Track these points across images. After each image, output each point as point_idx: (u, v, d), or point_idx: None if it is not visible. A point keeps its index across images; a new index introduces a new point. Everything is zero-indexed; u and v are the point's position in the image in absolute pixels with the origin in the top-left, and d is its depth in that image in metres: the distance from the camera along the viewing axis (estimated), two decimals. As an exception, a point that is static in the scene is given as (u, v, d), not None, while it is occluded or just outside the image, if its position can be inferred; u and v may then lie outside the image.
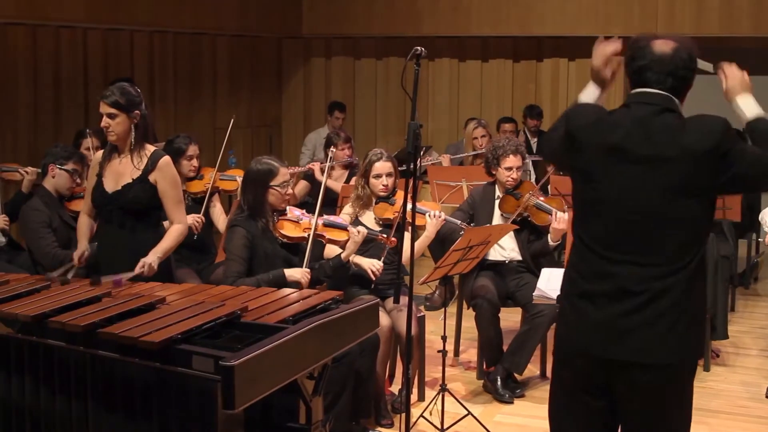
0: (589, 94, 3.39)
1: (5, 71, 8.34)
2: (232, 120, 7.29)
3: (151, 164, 4.83)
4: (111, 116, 4.79)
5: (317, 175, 7.73)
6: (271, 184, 5.11)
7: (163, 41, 10.30)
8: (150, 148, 4.90)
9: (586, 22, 10.67)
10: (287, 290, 4.21)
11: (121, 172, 4.86)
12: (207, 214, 6.37)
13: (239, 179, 6.28)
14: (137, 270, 4.60)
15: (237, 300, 3.94)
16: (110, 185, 4.87)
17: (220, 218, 6.46)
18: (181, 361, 3.28)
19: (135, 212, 4.85)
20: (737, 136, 3.08)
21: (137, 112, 4.81)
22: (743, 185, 3.22)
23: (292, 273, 5.05)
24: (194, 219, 6.18)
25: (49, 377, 3.74)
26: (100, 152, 5.01)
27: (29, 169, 6.45)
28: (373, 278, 5.42)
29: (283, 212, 5.22)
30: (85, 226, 5.06)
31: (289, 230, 5.16)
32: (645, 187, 3.05)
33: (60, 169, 6.02)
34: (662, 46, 3.12)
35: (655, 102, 3.10)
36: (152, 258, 4.70)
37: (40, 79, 8.72)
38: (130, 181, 4.82)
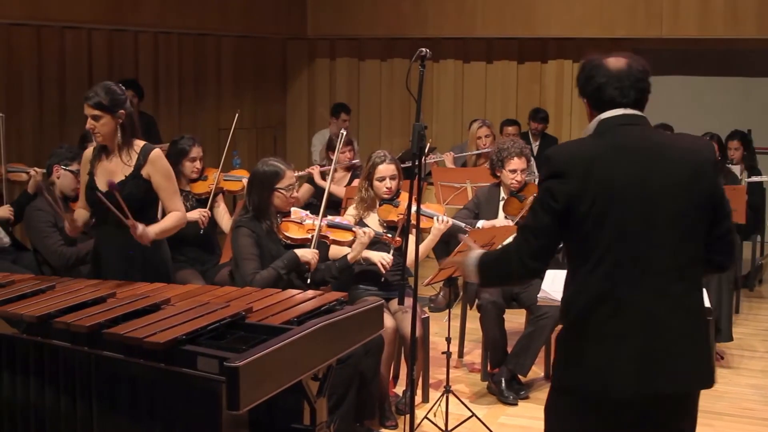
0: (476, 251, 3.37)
1: (10, 72, 8.35)
2: (237, 115, 7.28)
3: (143, 159, 4.76)
4: (95, 118, 4.71)
5: (317, 179, 7.72)
6: (277, 186, 5.11)
7: (168, 42, 10.31)
8: (139, 143, 4.82)
9: (591, 24, 10.67)
10: (292, 291, 4.22)
11: (113, 170, 4.78)
12: (211, 215, 6.37)
13: (244, 180, 6.27)
14: (132, 223, 4.55)
15: (242, 301, 3.95)
16: (103, 184, 4.77)
17: (224, 218, 6.46)
18: (185, 362, 3.29)
19: (131, 209, 4.74)
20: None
21: (122, 111, 4.73)
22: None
23: (303, 253, 5.07)
24: (200, 213, 6.20)
25: (54, 377, 3.75)
26: (90, 149, 4.95)
27: (38, 169, 6.45)
28: (384, 271, 5.41)
29: (287, 214, 5.22)
30: (81, 216, 5.02)
31: (293, 231, 5.16)
32: (652, 210, 2.96)
33: (65, 169, 6.03)
34: (616, 63, 3.07)
35: (639, 123, 3.06)
36: (151, 229, 4.64)
37: (44, 80, 8.73)
38: (123, 178, 4.75)
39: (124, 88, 4.89)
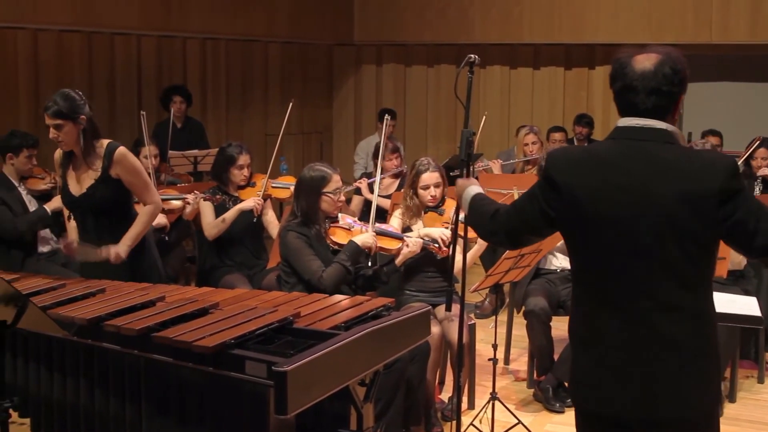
0: (475, 187, 3.43)
1: (61, 77, 8.44)
2: (291, 104, 7.30)
3: (107, 161, 4.81)
4: (57, 127, 4.74)
5: (364, 192, 7.73)
6: (324, 190, 5.12)
7: (216, 48, 10.39)
8: (102, 144, 4.85)
9: (639, 30, 10.59)
10: (339, 297, 4.22)
11: (82, 175, 4.86)
12: (259, 221, 6.41)
13: (291, 187, 6.30)
14: (104, 254, 4.68)
15: (289, 306, 3.96)
16: (75, 188, 4.88)
17: (272, 224, 6.49)
18: (234, 366, 3.29)
19: (106, 211, 4.87)
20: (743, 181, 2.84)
21: (82, 116, 4.76)
22: (739, 236, 2.82)
23: (364, 239, 5.12)
24: (255, 201, 6.30)
25: (103, 380, 3.77)
26: (59, 153, 4.98)
27: None
28: (444, 246, 5.37)
29: (334, 219, 5.23)
30: (73, 228, 5.10)
31: (340, 237, 5.17)
32: (640, 230, 2.79)
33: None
34: (644, 62, 2.88)
35: (649, 138, 2.85)
36: (121, 247, 4.75)
37: (95, 85, 8.83)
38: (92, 182, 4.82)
39: (81, 93, 4.89)
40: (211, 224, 6.27)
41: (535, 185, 3.05)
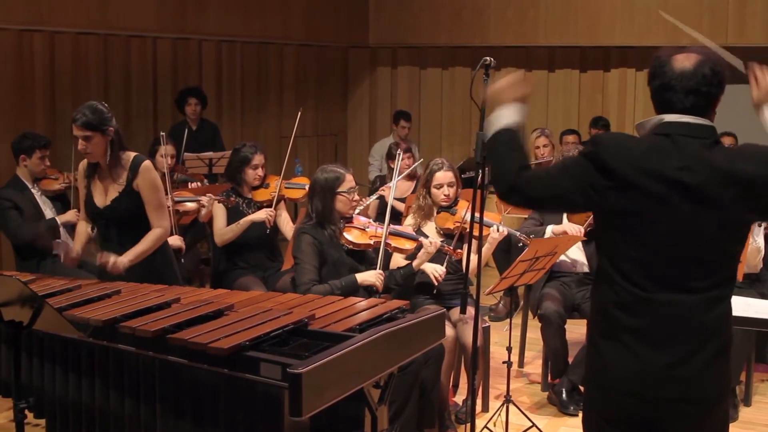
0: (511, 113, 3.15)
1: (77, 79, 8.48)
2: (299, 113, 7.28)
3: (132, 173, 4.82)
4: (86, 138, 4.75)
5: (388, 198, 7.68)
6: (338, 190, 5.14)
7: (231, 50, 10.41)
8: (129, 156, 4.87)
9: (655, 32, 10.56)
10: (354, 299, 4.22)
11: (107, 187, 4.87)
12: (274, 222, 6.41)
13: (305, 187, 6.31)
14: (103, 260, 4.66)
15: (304, 308, 3.96)
16: (100, 200, 4.88)
17: (287, 226, 6.49)
18: (249, 368, 3.30)
19: (129, 223, 4.86)
20: None
21: (110, 128, 4.78)
22: None
23: (365, 278, 5.07)
24: (267, 213, 6.26)
25: (118, 381, 3.79)
26: (84, 164, 4.98)
27: None
28: (436, 283, 5.39)
29: (349, 219, 5.24)
30: (83, 233, 5.12)
31: (355, 237, 5.17)
32: (698, 223, 2.85)
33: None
34: (683, 62, 2.90)
35: (703, 135, 2.90)
36: (123, 259, 4.72)
37: (110, 88, 8.86)
38: (117, 195, 4.83)
39: (107, 105, 4.90)
40: (222, 231, 6.26)
41: (576, 163, 2.99)
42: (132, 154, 4.90)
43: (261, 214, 6.24)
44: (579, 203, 3.03)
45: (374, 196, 7.59)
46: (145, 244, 4.83)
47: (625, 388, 2.99)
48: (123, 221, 4.86)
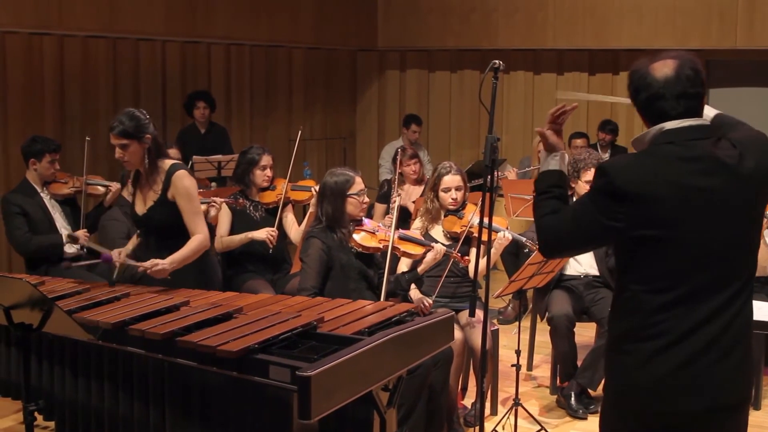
0: (554, 162, 3.18)
1: (86, 83, 8.51)
2: (300, 131, 7.27)
3: (167, 182, 4.74)
4: (123, 147, 4.70)
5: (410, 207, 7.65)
6: (349, 193, 5.14)
7: (240, 54, 10.43)
8: (166, 165, 4.79)
9: (663, 35, 10.55)
10: (363, 302, 4.23)
11: (146, 194, 4.82)
12: (280, 225, 6.41)
13: (312, 190, 6.31)
14: (146, 264, 4.56)
15: (313, 311, 3.97)
16: (139, 207, 4.84)
17: (293, 228, 6.48)
18: (258, 371, 3.31)
19: (166, 232, 4.78)
20: None
21: (148, 136, 4.72)
22: None
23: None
24: (268, 233, 6.19)
25: (128, 384, 3.80)
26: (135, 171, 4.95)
27: (114, 185, 6.56)
28: (422, 315, 5.33)
29: (359, 223, 5.24)
30: (135, 240, 5.10)
31: (365, 240, 5.17)
32: (725, 224, 2.84)
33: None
34: (663, 69, 2.91)
35: (708, 135, 2.88)
36: (165, 262, 4.60)
37: (119, 91, 8.88)
38: (153, 204, 4.77)
39: (145, 112, 4.85)
40: (224, 240, 6.24)
41: (589, 199, 2.96)
42: (169, 162, 4.81)
43: (261, 234, 6.17)
44: (605, 237, 3.00)
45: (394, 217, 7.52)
46: (187, 250, 4.71)
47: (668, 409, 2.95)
48: (160, 230, 4.80)
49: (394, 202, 7.21)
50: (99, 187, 6.63)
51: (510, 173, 8.74)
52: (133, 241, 5.11)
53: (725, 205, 2.84)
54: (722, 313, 2.87)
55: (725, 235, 2.86)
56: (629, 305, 2.96)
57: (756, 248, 2.99)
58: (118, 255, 4.85)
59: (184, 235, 4.75)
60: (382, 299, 4.84)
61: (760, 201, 2.92)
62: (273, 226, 6.29)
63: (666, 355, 2.89)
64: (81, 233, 6.28)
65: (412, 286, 5.38)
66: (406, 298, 5.34)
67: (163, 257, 4.66)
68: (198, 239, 4.74)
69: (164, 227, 4.78)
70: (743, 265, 2.93)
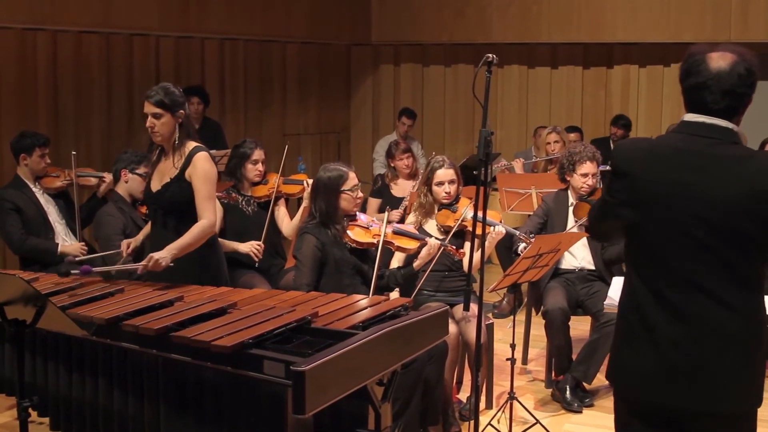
0: None
1: (80, 78, 8.48)
2: (287, 147, 7.18)
3: (187, 161, 4.77)
4: (156, 116, 4.72)
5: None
6: (342, 188, 5.13)
7: (234, 49, 10.41)
8: (190, 145, 4.82)
9: (657, 29, 10.56)
10: (357, 296, 4.23)
11: (164, 172, 4.84)
12: (272, 219, 6.39)
13: (304, 183, 6.29)
14: (142, 264, 4.54)
15: (308, 305, 3.97)
16: (155, 185, 4.85)
17: (284, 221, 6.45)
18: (252, 366, 3.31)
19: (176, 212, 4.79)
20: None
21: (182, 111, 4.77)
22: None
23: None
24: (251, 247, 6.10)
25: (122, 379, 3.80)
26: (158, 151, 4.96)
27: (107, 175, 6.54)
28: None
29: (353, 218, 5.23)
30: (148, 225, 5.11)
31: (358, 235, 5.16)
32: (701, 227, 2.81)
33: (132, 173, 6.12)
34: (719, 61, 2.85)
35: (715, 136, 2.86)
36: (164, 254, 4.56)
37: (113, 86, 8.85)
38: (168, 180, 4.79)
39: (182, 90, 4.89)
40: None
41: (605, 193, 3.10)
42: (193, 144, 4.84)
43: (245, 248, 6.11)
44: (612, 216, 3.07)
45: (398, 211, 7.48)
46: (189, 237, 4.68)
47: (637, 397, 2.99)
48: (168, 208, 4.80)
49: (401, 213, 7.19)
50: (91, 179, 6.62)
51: (516, 163, 8.73)
52: (144, 231, 5.11)
53: (713, 206, 2.80)
54: (701, 314, 2.84)
55: (710, 236, 2.81)
56: (625, 287, 3.05)
57: (756, 260, 2.87)
58: (127, 246, 4.87)
59: (192, 219, 4.75)
60: (371, 295, 4.83)
61: (756, 214, 2.80)
62: (265, 221, 6.28)
63: (638, 342, 2.94)
64: (77, 247, 6.23)
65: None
66: (402, 293, 5.34)
67: (167, 237, 4.69)
68: (201, 224, 4.73)
69: (171, 205, 4.78)
70: (736, 271, 2.84)
